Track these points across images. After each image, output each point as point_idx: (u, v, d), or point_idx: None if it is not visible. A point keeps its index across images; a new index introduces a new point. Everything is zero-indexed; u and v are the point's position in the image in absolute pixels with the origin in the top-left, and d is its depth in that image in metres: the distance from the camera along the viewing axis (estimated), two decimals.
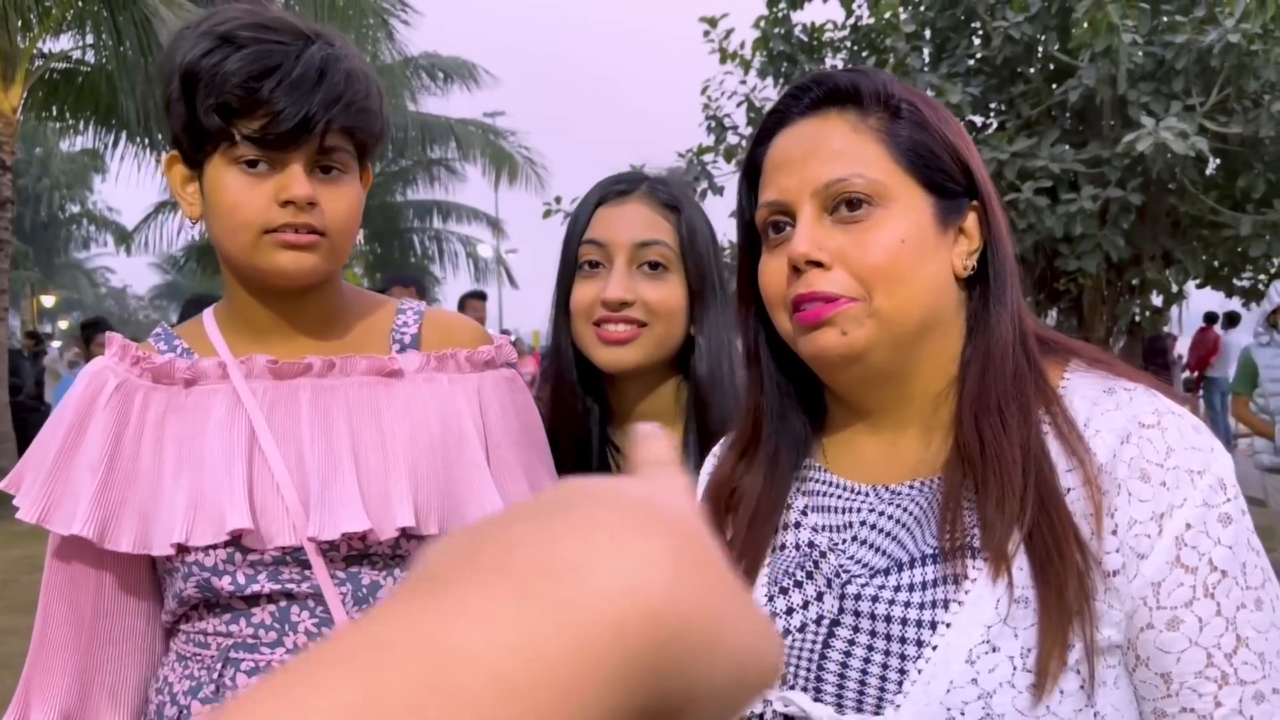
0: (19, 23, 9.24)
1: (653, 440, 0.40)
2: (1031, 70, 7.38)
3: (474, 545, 0.30)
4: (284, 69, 1.07)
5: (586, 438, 1.37)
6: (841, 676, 0.84)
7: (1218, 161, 6.79)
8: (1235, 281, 7.56)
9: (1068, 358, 0.92)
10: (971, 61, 7.61)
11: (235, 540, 1.08)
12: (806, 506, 0.95)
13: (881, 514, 0.90)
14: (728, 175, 8.40)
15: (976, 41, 7.63)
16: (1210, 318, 12.55)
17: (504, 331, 10.74)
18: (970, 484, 0.84)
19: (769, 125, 0.95)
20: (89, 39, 10.87)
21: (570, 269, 1.34)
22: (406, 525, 1.11)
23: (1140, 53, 6.01)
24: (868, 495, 0.92)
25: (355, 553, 1.13)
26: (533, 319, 11.40)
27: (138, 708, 1.19)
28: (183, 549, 1.09)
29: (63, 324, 41.02)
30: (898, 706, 0.80)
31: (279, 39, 1.09)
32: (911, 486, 0.90)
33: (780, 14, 8.60)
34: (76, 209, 41.06)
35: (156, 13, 7.91)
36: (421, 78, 18.12)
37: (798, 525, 0.95)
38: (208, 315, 1.24)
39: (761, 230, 0.94)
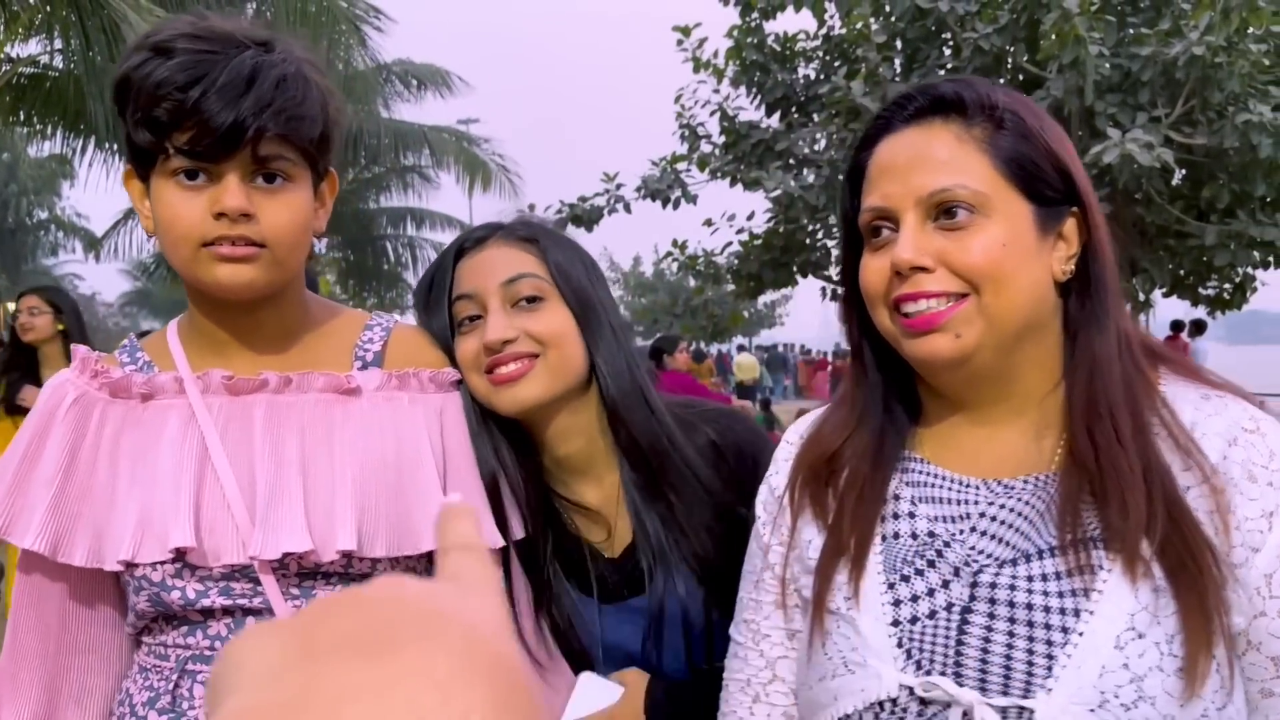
0: None
1: (457, 518, 0.39)
2: (1001, 81, 7.46)
3: (299, 685, 0.29)
4: (210, 77, 1.03)
5: (528, 494, 1.30)
6: (983, 662, 0.86)
7: (1183, 172, 6.89)
8: (1200, 290, 7.68)
9: (1157, 363, 0.95)
10: (942, 72, 7.68)
11: (182, 556, 1.07)
12: (915, 497, 0.97)
13: (1002, 507, 0.93)
14: (700, 184, 8.43)
15: (947, 52, 7.71)
16: (1177, 325, 12.70)
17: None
18: (1087, 485, 0.87)
19: (873, 131, 0.97)
20: (57, 44, 10.76)
21: (451, 332, 1.28)
22: (348, 548, 1.09)
23: (1107, 64, 6.09)
24: (978, 489, 0.95)
25: (307, 570, 1.12)
26: None
27: (105, 717, 1.18)
28: (130, 564, 1.08)
29: None
30: (1049, 690, 0.82)
31: (211, 47, 1.05)
32: (1025, 482, 0.93)
33: (753, 23, 8.64)
34: (45, 215, 40.59)
35: (125, 18, 7.83)
36: (395, 84, 18.07)
37: (912, 515, 0.96)
38: (171, 327, 1.22)
39: (864, 231, 0.96)
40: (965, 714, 0.85)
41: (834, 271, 8.62)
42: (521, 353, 1.22)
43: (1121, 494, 0.85)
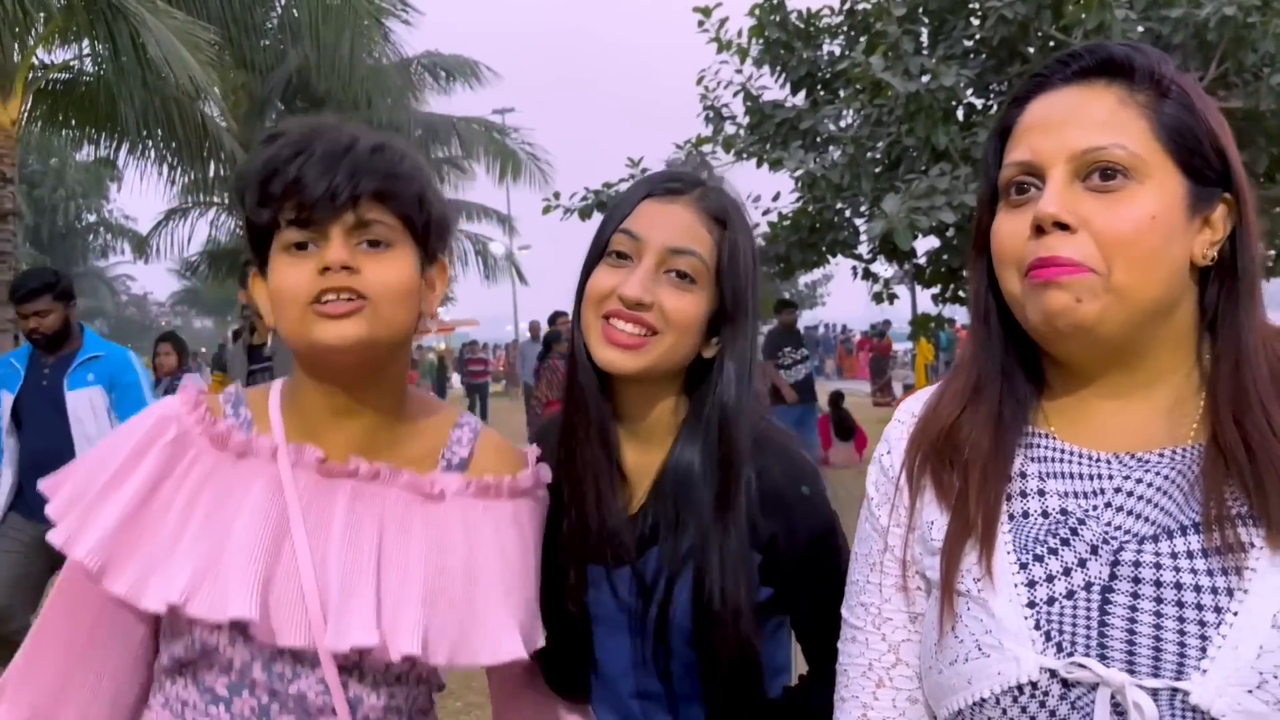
0: (14, 39, 9.28)
1: None
2: (1030, 49, 7.28)
3: None
4: (310, 149, 1.11)
5: (595, 431, 1.31)
6: (1130, 643, 0.83)
7: None
8: None
9: None
10: (969, 42, 7.52)
11: (239, 625, 1.08)
12: (1042, 473, 0.95)
13: (1139, 481, 0.90)
14: (726, 166, 8.34)
15: (975, 22, 7.54)
16: None
17: (557, 330, 10.83)
18: (1232, 470, 0.85)
19: (1028, 88, 0.95)
20: (85, 50, 10.94)
21: (597, 254, 1.28)
22: (412, 653, 1.11)
23: (1139, 28, 5.91)
24: (1110, 463, 0.92)
25: (349, 663, 1.14)
26: (545, 315, 11.47)
27: None
28: (192, 621, 1.10)
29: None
30: (1204, 671, 0.80)
31: (314, 130, 1.14)
32: (1161, 455, 0.91)
33: (775, 1, 8.52)
34: (93, 218, 41.43)
35: (144, 21, 7.93)
36: (424, 76, 18.13)
37: (1040, 494, 0.94)
38: (275, 389, 1.24)
39: (1003, 189, 0.94)
40: (1114, 697, 0.82)
41: (864, 249, 8.50)
42: (645, 321, 1.21)
43: (1278, 481, 0.83)
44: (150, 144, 12.07)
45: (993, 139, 0.99)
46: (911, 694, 1.02)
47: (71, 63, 11.70)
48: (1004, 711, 0.87)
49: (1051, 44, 6.88)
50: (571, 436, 1.30)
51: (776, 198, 8.33)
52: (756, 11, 8.49)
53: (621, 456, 1.31)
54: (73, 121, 12.56)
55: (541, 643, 1.24)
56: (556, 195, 8.52)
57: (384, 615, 1.12)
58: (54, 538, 1.11)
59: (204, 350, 23.90)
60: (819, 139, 7.79)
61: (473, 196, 21.93)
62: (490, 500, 1.23)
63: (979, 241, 0.98)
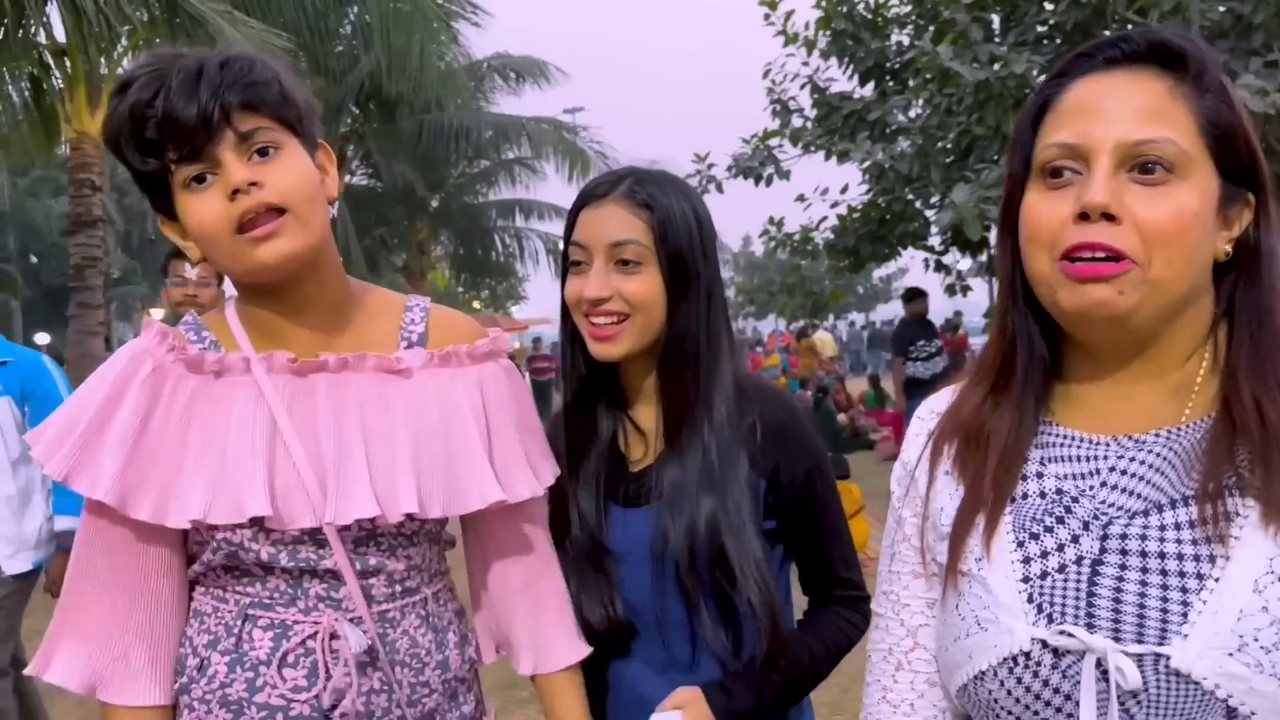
0: (100, 52, 9.61)
1: None
2: (1105, 33, 7.10)
3: None
4: (166, 84, 1.14)
5: (599, 416, 1.52)
6: (1116, 611, 0.86)
7: None
8: None
9: None
10: (1041, 28, 7.35)
11: (258, 520, 1.18)
12: (1043, 458, 0.97)
13: (1132, 460, 0.93)
14: (794, 159, 8.29)
15: (1048, 7, 7.37)
16: None
17: None
18: (1234, 445, 0.88)
19: (1070, 66, 0.94)
20: None
21: (565, 268, 1.47)
22: (411, 511, 1.22)
23: (1220, 8, 5.72)
24: (1108, 445, 0.95)
25: (364, 533, 1.25)
26: None
27: (164, 666, 1.26)
28: (212, 527, 1.19)
29: None
30: (1185, 636, 0.83)
31: (159, 65, 1.17)
32: (1156, 435, 0.93)
33: None
34: None
35: (221, 32, 8.16)
36: (494, 78, 18.33)
37: (1039, 476, 0.97)
38: (229, 309, 1.31)
39: (1039, 168, 0.93)
40: (1099, 662, 0.84)
41: (935, 241, 8.37)
42: (613, 311, 1.39)
43: None
44: None
45: (1029, 113, 0.97)
46: (930, 677, 1.05)
47: None
48: (1001, 683, 0.90)
49: (1128, 27, 6.70)
50: (572, 413, 1.52)
51: (845, 190, 8.25)
52: (823, 3, 8.41)
53: (636, 417, 1.50)
54: None
55: (550, 480, 1.40)
56: None
57: (378, 485, 1.22)
58: (50, 471, 1.17)
59: None
60: (887, 130, 7.68)
61: (543, 195, 22.15)
62: (454, 368, 1.33)
63: (1008, 219, 0.98)
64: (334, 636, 1.23)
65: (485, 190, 21.73)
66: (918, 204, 7.77)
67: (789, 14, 8.22)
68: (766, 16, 8.20)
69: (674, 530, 1.38)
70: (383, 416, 1.26)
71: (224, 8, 8.82)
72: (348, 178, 18.03)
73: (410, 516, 1.24)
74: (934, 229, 7.78)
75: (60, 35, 9.67)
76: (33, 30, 9.62)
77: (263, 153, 1.17)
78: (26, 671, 1.26)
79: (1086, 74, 0.92)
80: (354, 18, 12.97)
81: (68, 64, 10.10)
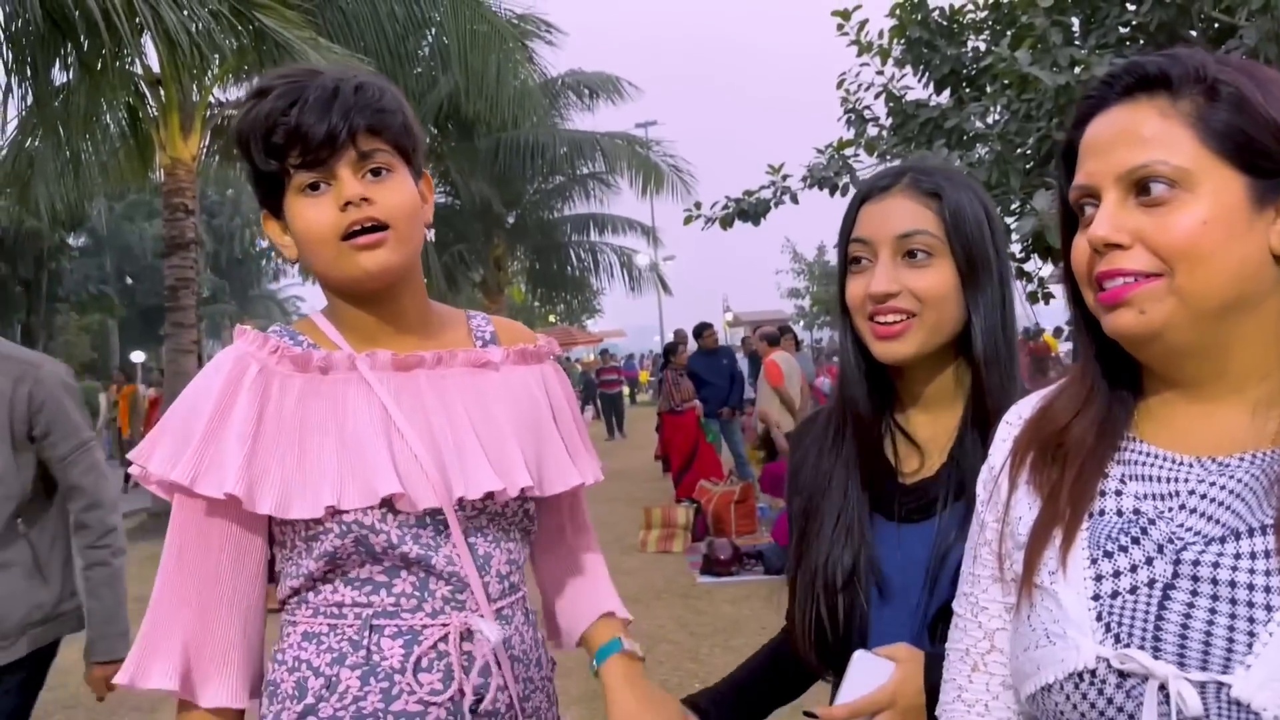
0: (193, 80, 9.97)
1: None
2: (1192, 34, 6.91)
3: None
4: (303, 97, 1.24)
5: (874, 423, 1.42)
6: (1183, 637, 0.86)
7: None
8: None
9: None
10: (1124, 30, 7.20)
11: (386, 502, 1.24)
12: (1124, 475, 0.98)
13: (1212, 484, 0.92)
14: (870, 168, 8.22)
15: (1130, 8, 7.21)
16: None
17: (675, 342, 11.41)
18: None
19: (1084, 110, 0.99)
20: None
21: (844, 270, 1.40)
22: (526, 485, 1.31)
23: None
24: (1192, 466, 0.94)
25: (475, 513, 1.31)
26: (690, 324, 11.50)
27: (248, 671, 1.29)
28: (338, 511, 1.23)
29: None
30: (1248, 666, 0.83)
31: (298, 79, 1.27)
32: (1242, 459, 0.92)
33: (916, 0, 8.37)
34: (265, 244, 43.99)
35: (306, 57, 8.41)
36: (569, 95, 18.53)
37: (1118, 494, 0.97)
38: (318, 316, 1.38)
39: (1075, 210, 0.98)
40: (1162, 688, 0.85)
41: (1016, 249, 8.23)
42: (901, 308, 1.30)
43: None
44: None
45: (1060, 159, 1.02)
46: (1005, 680, 1.05)
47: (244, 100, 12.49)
48: (1067, 697, 0.91)
49: (1215, 27, 6.52)
50: (841, 419, 1.43)
51: None
52: (898, 11, 8.34)
53: (913, 429, 1.39)
54: None
55: (601, 476, 1.47)
56: (697, 205, 8.56)
57: (494, 464, 1.30)
58: (179, 477, 1.21)
59: None
60: (964, 137, 7.59)
61: (617, 210, 22.29)
62: (529, 364, 1.45)
63: (1066, 259, 1.00)
64: (463, 637, 1.27)
65: (560, 206, 21.96)
66: (997, 211, 7.64)
67: (863, 23, 8.18)
68: (840, 27, 8.18)
69: (960, 547, 1.25)
70: (481, 405, 1.35)
71: (309, 35, 9.10)
72: None
73: (521, 496, 1.33)
74: (1014, 236, 7.65)
75: (155, 65, 10.08)
76: (129, 61, 10.05)
77: (376, 173, 1.27)
78: (117, 680, 1.26)
79: (1095, 115, 0.96)
80: (432, 40, 13.24)
81: (161, 93, 10.52)
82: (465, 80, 12.26)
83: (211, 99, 11.21)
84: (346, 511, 1.23)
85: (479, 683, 1.27)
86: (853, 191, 1.44)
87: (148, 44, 9.17)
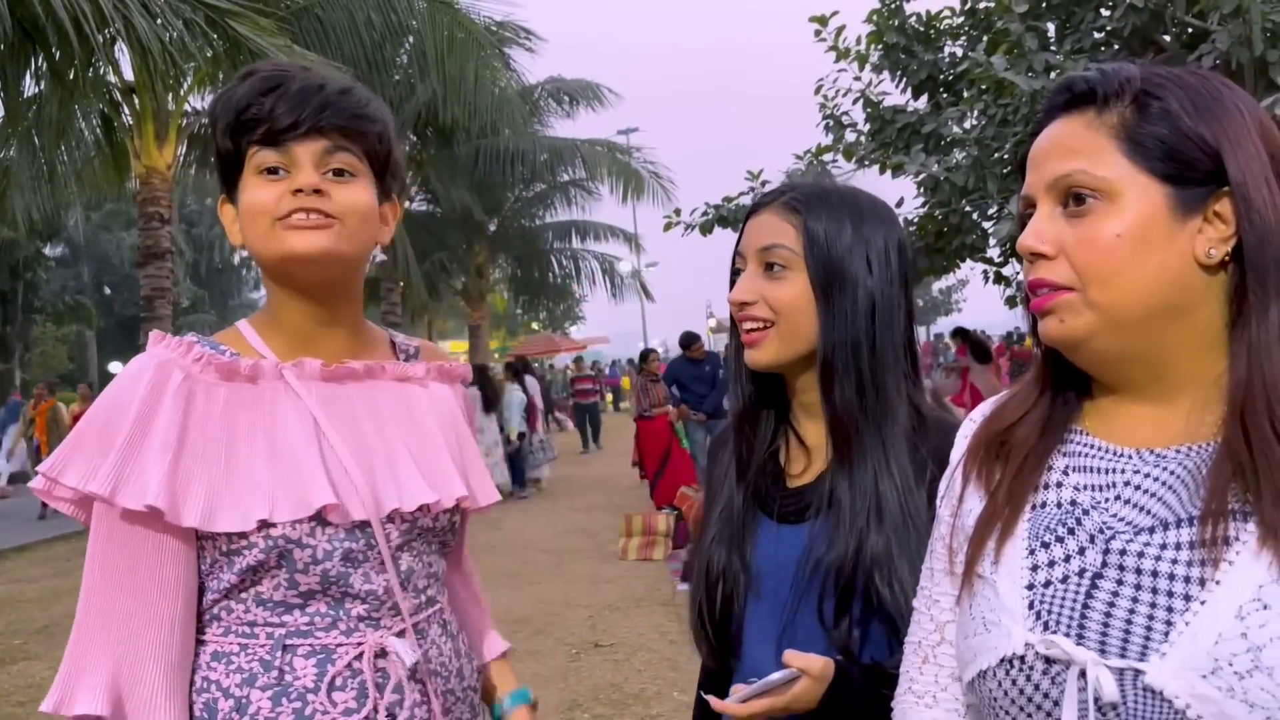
0: (166, 89, 9.90)
1: None
2: (1165, 38, 6.96)
3: None
4: (284, 87, 1.22)
5: (761, 426, 1.49)
6: (1105, 625, 0.89)
7: None
8: None
9: None
10: (1099, 35, 7.24)
11: (316, 515, 1.20)
12: (1067, 467, 1.00)
13: (1146, 475, 0.94)
14: (849, 173, 8.24)
15: (1105, 13, 7.26)
16: None
17: (649, 349, 11.66)
18: (1239, 468, 0.87)
19: (1035, 126, 1.03)
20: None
21: (732, 277, 1.48)
22: (461, 495, 1.34)
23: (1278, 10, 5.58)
24: (1130, 458, 0.96)
25: (405, 526, 1.29)
26: (673, 332, 11.49)
27: (183, 692, 1.21)
28: (267, 524, 1.18)
29: None
30: (1163, 655, 0.85)
31: (288, 71, 1.26)
32: (1178, 451, 0.94)
33: (893, 5, 8.40)
34: (246, 253, 43.73)
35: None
36: (549, 102, 18.52)
37: (1059, 485, 0.99)
38: (244, 325, 1.34)
39: (1024, 220, 1.01)
40: (1083, 674, 0.87)
41: (994, 253, 8.26)
42: (758, 316, 1.38)
43: (1275, 486, 0.85)
44: None
45: (1017, 173, 1.06)
46: (954, 671, 1.08)
47: None
48: (999, 683, 0.94)
49: (1189, 31, 6.56)
50: (739, 419, 1.50)
51: (900, 204, 8.18)
52: (875, 17, 8.38)
53: (804, 433, 1.46)
54: None
55: (497, 497, 1.48)
56: (677, 212, 8.57)
57: (427, 476, 1.31)
58: (97, 489, 1.15)
59: None
60: (942, 142, 7.62)
61: (599, 216, 22.23)
62: (448, 382, 1.47)
63: None
64: (378, 655, 1.24)
65: (541, 213, 21.95)
66: (975, 216, 7.68)
67: (840, 29, 8.20)
68: (817, 33, 8.20)
69: (829, 554, 1.33)
70: (409, 418, 1.36)
71: (284, 42, 9.04)
72: (407, 204, 18.32)
73: (452, 509, 1.34)
74: (992, 240, 7.69)
75: (129, 74, 10.01)
76: (102, 69, 9.97)
77: (339, 173, 1.24)
78: (44, 708, 1.19)
79: (1038, 132, 1.01)
80: (410, 47, 13.21)
81: (136, 101, 10.45)
82: (444, 87, 12.23)
83: (187, 107, 11.15)
84: (275, 525, 1.19)
85: (393, 699, 1.24)
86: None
87: (121, 53, 9.10)
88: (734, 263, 1.45)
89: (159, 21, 8.01)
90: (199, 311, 37.91)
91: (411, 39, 12.79)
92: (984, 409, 1.14)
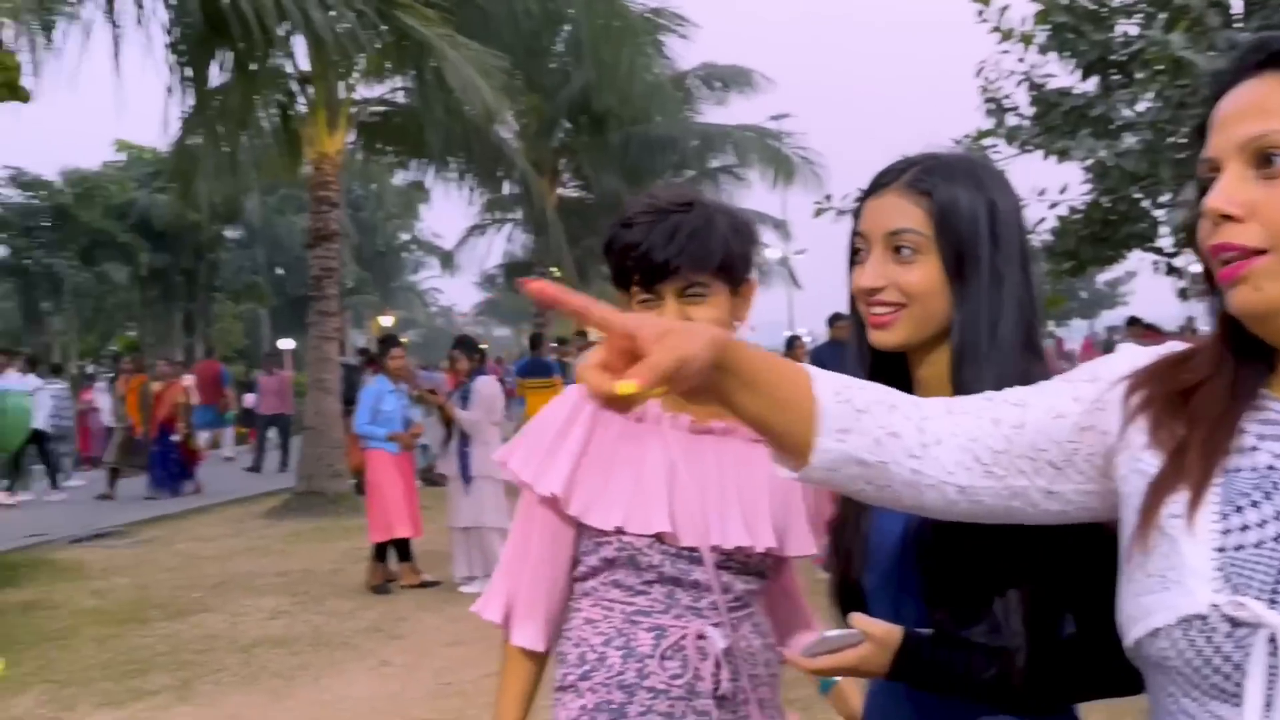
0: (338, 78, 10.37)
1: None
2: None
3: None
4: (649, 239, 1.60)
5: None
6: None
7: None
8: None
9: None
10: None
11: (656, 535, 1.61)
12: (1260, 434, 0.97)
13: None
14: (1010, 158, 7.95)
15: None
16: None
17: (794, 336, 11.29)
18: None
19: (1217, 88, 1.00)
20: (397, 84, 12.01)
21: (850, 258, 1.48)
22: (769, 546, 1.65)
23: None
24: None
25: (724, 557, 1.65)
26: (819, 322, 11.39)
27: (549, 626, 1.72)
28: (621, 531, 1.61)
29: (402, 341, 45.47)
30: None
31: (651, 218, 1.61)
32: None
33: None
34: (407, 237, 45.49)
35: (445, 57, 8.66)
36: (701, 88, 18.52)
37: (1254, 450, 0.96)
38: None
39: (1205, 186, 0.98)
40: (1273, 639, 0.85)
41: (1165, 243, 7.83)
42: (889, 301, 1.38)
43: None
44: (453, 166, 13.11)
45: (1195, 138, 1.00)
46: (971, 433, 1.07)
47: (386, 96, 12.96)
48: (1174, 642, 0.90)
49: None
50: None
51: (1064, 190, 7.84)
52: None
53: None
54: (388, 149, 13.87)
55: (810, 551, 1.73)
56: (828, 197, 8.43)
57: (748, 523, 1.64)
58: (521, 473, 1.67)
59: (504, 356, 25.43)
60: (1111, 126, 7.25)
61: (748, 202, 22.10)
62: None
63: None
64: (700, 637, 1.64)
65: None
66: (1145, 203, 7.30)
67: (1004, 9, 7.90)
68: (980, 14, 7.92)
69: (928, 532, 1.33)
70: (749, 474, 1.67)
71: (447, 32, 9.36)
72: (559, 189, 18.67)
73: (766, 553, 1.66)
74: (1164, 229, 7.29)
75: (304, 64, 10.56)
76: (280, 60, 10.54)
77: (695, 297, 1.61)
78: (475, 609, 1.76)
79: (1229, 91, 0.95)
80: (566, 35, 13.45)
81: (310, 90, 11.01)
82: (598, 74, 12.40)
83: (356, 95, 11.67)
84: (626, 534, 1.61)
85: (711, 671, 1.63)
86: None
87: (297, 44, 9.59)
88: (852, 243, 1.44)
89: (332, 14, 8.41)
90: (362, 293, 39.60)
91: (569, 27, 13.03)
92: (1154, 353, 1.09)
